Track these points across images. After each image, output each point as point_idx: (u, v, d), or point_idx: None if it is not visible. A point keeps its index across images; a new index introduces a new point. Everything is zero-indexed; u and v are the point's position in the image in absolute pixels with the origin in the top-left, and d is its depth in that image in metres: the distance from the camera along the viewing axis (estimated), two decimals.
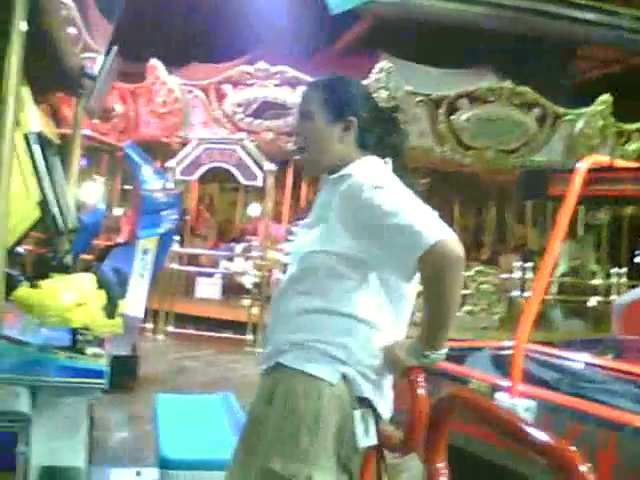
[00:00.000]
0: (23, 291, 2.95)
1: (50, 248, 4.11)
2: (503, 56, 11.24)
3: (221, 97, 10.63)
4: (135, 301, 5.59)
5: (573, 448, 1.46)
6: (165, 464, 2.79)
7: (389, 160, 2.13)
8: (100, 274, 3.22)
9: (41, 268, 3.80)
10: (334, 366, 1.95)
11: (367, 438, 1.95)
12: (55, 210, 3.81)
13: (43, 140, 3.76)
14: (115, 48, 5.04)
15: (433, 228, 1.85)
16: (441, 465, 1.89)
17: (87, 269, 3.81)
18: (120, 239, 8.61)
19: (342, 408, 1.93)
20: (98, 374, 2.80)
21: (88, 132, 9.51)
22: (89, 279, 3.12)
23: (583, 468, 1.42)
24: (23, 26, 2.63)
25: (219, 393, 3.74)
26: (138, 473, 3.54)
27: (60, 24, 3.78)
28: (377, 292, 2.00)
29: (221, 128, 10.59)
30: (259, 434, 1.98)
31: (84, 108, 4.96)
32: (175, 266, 9.40)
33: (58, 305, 2.86)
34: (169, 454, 2.82)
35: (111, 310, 2.96)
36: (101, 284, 3.07)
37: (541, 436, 1.54)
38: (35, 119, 3.75)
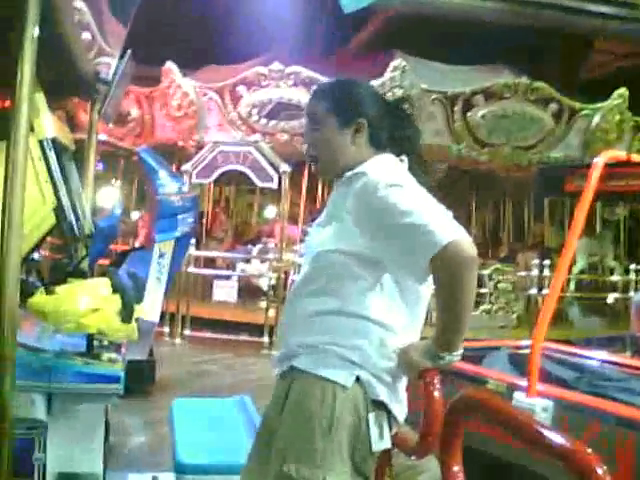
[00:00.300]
0: (39, 297, 2.96)
1: (66, 254, 4.12)
2: (518, 52, 11.17)
3: (236, 99, 10.64)
4: (151, 305, 5.60)
5: (590, 451, 1.44)
6: (181, 469, 2.78)
7: (404, 157, 2.11)
8: (115, 279, 3.22)
9: (57, 274, 3.82)
10: (348, 369, 1.93)
11: (382, 441, 1.94)
12: (71, 216, 3.83)
13: (58, 146, 3.78)
14: (129, 52, 5.05)
15: (447, 228, 1.84)
16: (457, 467, 1.88)
17: (103, 274, 3.83)
18: (137, 243, 8.64)
19: (356, 411, 1.92)
20: (114, 379, 2.80)
21: (104, 137, 9.55)
22: (104, 284, 3.13)
23: (600, 471, 1.40)
24: (36, 32, 2.64)
25: (236, 397, 3.73)
26: (154, 478, 3.54)
27: (73, 29, 3.78)
28: (392, 293, 1.99)
29: (236, 130, 10.60)
30: (273, 438, 1.97)
31: (99, 113, 4.97)
32: (192, 269, 9.42)
33: (74, 311, 2.87)
34: (185, 459, 2.82)
35: (127, 315, 2.97)
36: (116, 289, 3.07)
37: (557, 439, 1.52)
38: (50, 125, 3.76)
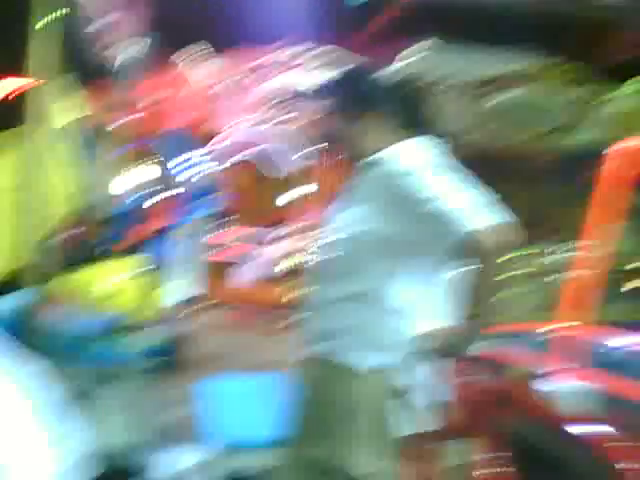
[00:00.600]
0: (62, 279, 2.98)
1: (89, 236, 4.14)
2: (542, 36, 11.04)
3: (257, 82, 10.61)
4: (174, 287, 5.63)
5: (613, 442, 1.42)
6: (216, 444, 2.80)
7: (428, 139, 2.08)
8: (138, 261, 3.23)
9: (80, 256, 3.84)
10: (373, 354, 1.92)
11: (407, 425, 1.94)
12: (93, 198, 3.85)
13: (81, 129, 3.79)
14: (148, 37, 5.04)
15: (468, 217, 1.82)
16: (488, 451, 1.87)
17: (125, 256, 3.84)
18: (158, 226, 8.66)
19: (382, 396, 1.91)
20: (141, 357, 2.82)
21: (124, 120, 9.55)
22: (127, 266, 3.15)
23: (624, 463, 1.39)
24: (60, 13, 2.63)
25: (265, 375, 3.73)
26: (195, 452, 3.56)
27: (90, 13, 3.78)
28: (414, 279, 1.97)
29: (258, 113, 10.58)
30: (302, 421, 1.97)
31: (118, 97, 4.98)
32: (213, 252, 9.41)
33: (97, 292, 2.89)
34: (219, 435, 2.84)
35: (150, 296, 2.98)
36: (139, 271, 3.09)
37: (580, 428, 1.50)
38: (75, 108, 3.78)
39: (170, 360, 5.33)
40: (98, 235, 4.15)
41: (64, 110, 3.71)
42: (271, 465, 2.08)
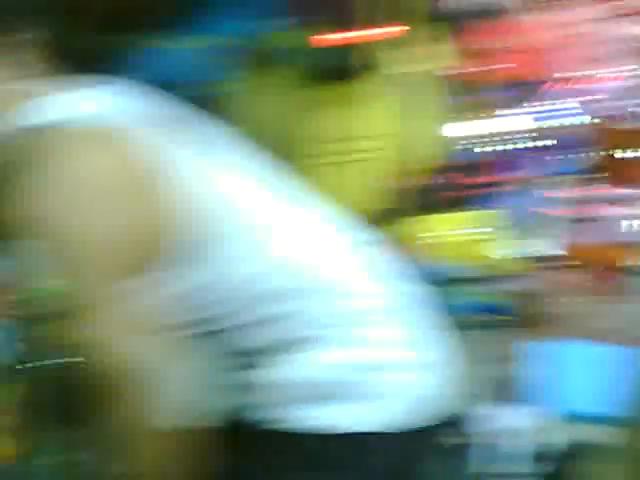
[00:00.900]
0: (409, 225, 3.03)
1: (438, 184, 4.18)
2: None
3: (613, 29, 9.78)
4: (539, 240, 5.50)
5: None
6: (549, 410, 2.72)
7: None
8: (488, 213, 3.19)
9: (428, 203, 3.90)
10: None
11: None
12: (447, 146, 3.88)
13: (438, 77, 3.81)
14: None
15: None
16: None
17: (475, 207, 3.81)
18: (512, 178, 8.50)
19: None
20: (496, 311, 2.79)
21: (483, 67, 9.44)
22: (487, 216, 3.11)
23: None
24: None
25: (609, 345, 3.51)
26: (522, 413, 3.50)
27: None
28: None
29: (620, 64, 9.78)
30: None
31: (456, 45, 4.92)
32: (570, 208, 9.02)
33: (455, 240, 2.90)
34: (554, 401, 2.75)
35: (507, 248, 2.92)
36: (488, 223, 3.04)
37: None
38: (434, 56, 3.80)
39: (510, 317, 5.24)
40: (448, 184, 4.18)
41: (424, 58, 3.75)
42: (608, 442, 1.94)
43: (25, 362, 2.21)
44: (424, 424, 1.22)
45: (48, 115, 1.01)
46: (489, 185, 6.59)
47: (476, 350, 3.11)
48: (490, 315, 2.75)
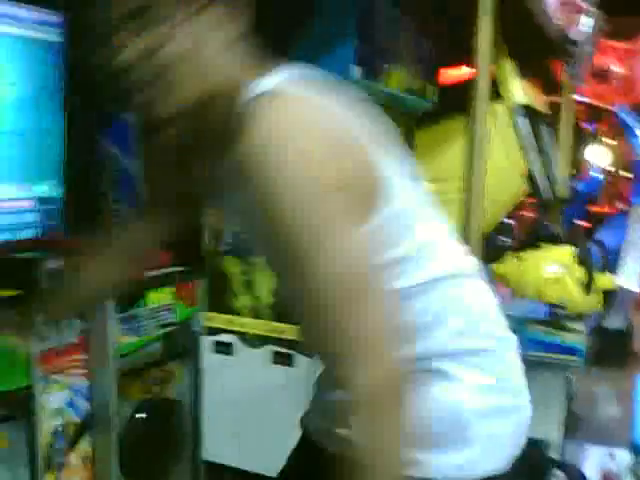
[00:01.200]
0: (505, 263, 3.02)
1: (539, 217, 4.13)
2: None
3: None
4: (628, 273, 5.32)
5: None
6: (637, 448, 2.61)
7: None
8: (580, 247, 3.12)
9: (530, 237, 3.84)
10: None
11: None
12: (541, 180, 3.82)
13: (529, 111, 3.78)
14: (599, 6, 4.80)
15: None
16: None
17: (572, 241, 3.74)
18: (612, 209, 8.25)
19: None
20: (574, 351, 2.74)
21: (583, 97, 9.25)
22: (569, 252, 3.06)
23: None
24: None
25: None
26: (611, 454, 3.38)
27: None
28: None
29: None
30: None
31: (569, 74, 4.85)
32: None
33: (536, 278, 2.86)
34: None
35: (588, 286, 2.86)
36: (580, 258, 2.98)
37: None
38: (519, 91, 3.78)
39: (608, 353, 5.07)
40: (549, 216, 4.12)
41: (512, 91, 3.74)
42: None
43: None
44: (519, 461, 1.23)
45: (270, 84, 1.10)
46: (596, 216, 6.44)
47: (576, 388, 3.05)
48: (572, 355, 2.69)
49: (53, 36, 2.45)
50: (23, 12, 2.30)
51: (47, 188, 2.47)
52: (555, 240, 3.72)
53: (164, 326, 2.44)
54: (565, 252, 3.07)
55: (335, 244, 0.98)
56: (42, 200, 2.41)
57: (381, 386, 0.94)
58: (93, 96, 2.57)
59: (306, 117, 1.05)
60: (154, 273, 2.41)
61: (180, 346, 2.52)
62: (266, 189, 0.99)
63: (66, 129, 2.50)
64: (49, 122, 2.47)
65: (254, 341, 2.61)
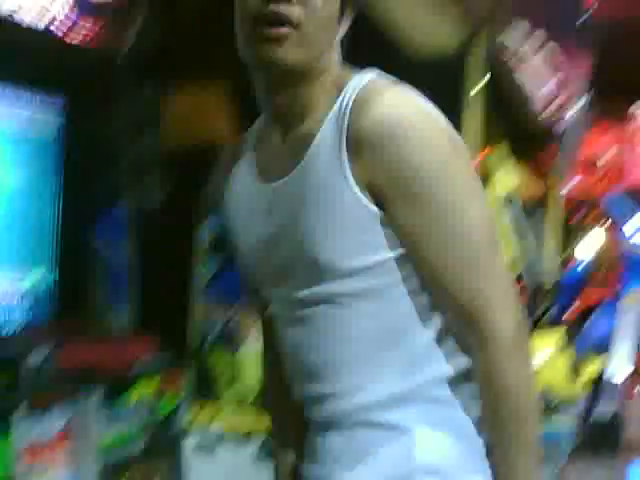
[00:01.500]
0: None
1: (529, 303, 4.15)
2: None
3: None
4: (618, 361, 5.31)
5: None
6: None
7: None
8: (570, 334, 3.14)
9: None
10: None
11: None
12: (530, 267, 3.85)
13: (517, 200, 3.84)
14: (587, 96, 4.93)
15: None
16: None
17: (560, 326, 3.76)
18: (602, 295, 8.27)
19: None
20: (562, 440, 2.72)
21: (570, 184, 9.38)
22: (558, 338, 3.07)
23: None
24: (492, 78, 2.67)
25: None
26: None
27: (518, 79, 3.81)
28: None
29: None
30: None
31: (558, 163, 4.95)
32: None
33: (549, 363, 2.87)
34: None
35: (578, 372, 2.87)
36: (570, 344, 3.00)
37: None
38: (506, 180, 3.85)
39: (598, 442, 5.01)
40: (538, 303, 4.14)
41: (503, 177, 3.80)
42: None
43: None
44: None
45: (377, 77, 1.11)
46: (587, 302, 6.45)
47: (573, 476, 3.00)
48: (580, 438, 2.66)
49: (51, 131, 2.53)
50: (24, 106, 2.38)
51: (38, 276, 2.50)
52: (544, 326, 3.74)
53: (148, 418, 2.41)
54: (554, 339, 3.08)
55: (474, 204, 1.08)
56: (31, 289, 2.44)
57: (521, 327, 1.06)
58: (88, 189, 2.63)
59: (428, 105, 1.10)
60: (139, 363, 2.40)
61: (164, 441, 2.48)
62: (409, 162, 1.04)
63: (60, 220, 2.54)
64: (42, 211, 2.52)
65: (240, 436, 2.57)
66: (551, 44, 4.29)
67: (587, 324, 4.74)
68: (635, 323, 5.57)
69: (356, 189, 1.05)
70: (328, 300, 1.11)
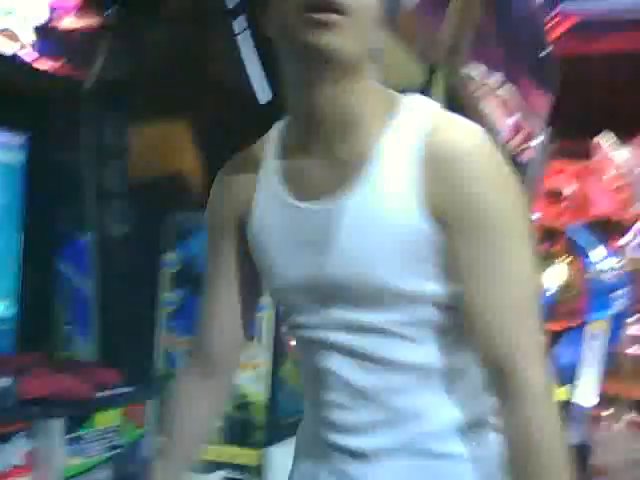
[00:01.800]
0: None
1: None
2: None
3: None
4: (584, 389, 5.36)
5: None
6: None
7: None
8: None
9: None
10: None
11: None
12: None
13: None
14: (547, 130, 5.03)
15: None
16: None
17: None
18: (568, 323, 8.39)
19: None
20: None
21: (535, 215, 9.54)
22: None
23: None
24: None
25: None
26: None
27: (482, 111, 3.89)
28: None
29: None
30: None
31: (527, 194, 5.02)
32: (632, 350, 8.78)
33: None
34: None
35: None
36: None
37: None
38: None
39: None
40: None
41: None
42: None
43: None
44: None
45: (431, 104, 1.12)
46: (554, 330, 6.51)
47: None
48: None
49: (14, 158, 2.51)
50: None
51: (0, 308, 2.48)
52: None
53: (112, 448, 2.38)
54: None
55: (527, 253, 1.09)
56: None
57: (550, 380, 1.08)
58: (50, 217, 2.61)
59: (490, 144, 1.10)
60: (103, 393, 2.38)
61: (129, 471, 2.45)
62: (486, 196, 1.04)
63: (22, 249, 2.52)
64: (5, 242, 2.50)
65: (205, 466, 2.55)
66: (512, 78, 4.38)
67: (552, 353, 4.79)
68: (600, 351, 5.65)
69: (425, 214, 1.03)
70: (387, 328, 1.09)
